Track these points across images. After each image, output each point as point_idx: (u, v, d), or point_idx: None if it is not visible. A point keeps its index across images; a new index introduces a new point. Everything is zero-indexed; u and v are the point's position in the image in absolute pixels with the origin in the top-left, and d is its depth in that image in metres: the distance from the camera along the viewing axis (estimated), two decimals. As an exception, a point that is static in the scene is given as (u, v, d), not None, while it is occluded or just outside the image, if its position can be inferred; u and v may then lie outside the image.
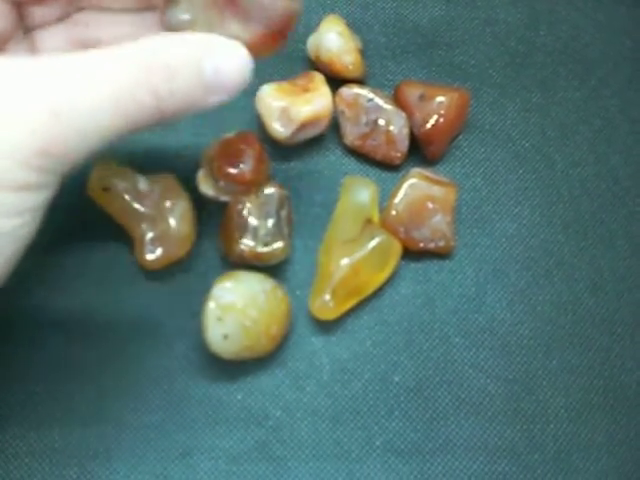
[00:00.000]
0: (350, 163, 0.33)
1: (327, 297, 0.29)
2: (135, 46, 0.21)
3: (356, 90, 0.32)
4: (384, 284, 0.31)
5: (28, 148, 0.19)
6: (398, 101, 0.33)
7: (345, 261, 0.30)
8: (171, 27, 0.24)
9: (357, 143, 0.33)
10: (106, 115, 0.20)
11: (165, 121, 0.22)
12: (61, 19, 0.27)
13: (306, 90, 0.31)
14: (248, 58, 0.23)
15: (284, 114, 0.31)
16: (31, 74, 0.20)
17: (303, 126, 0.31)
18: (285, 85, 0.32)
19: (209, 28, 0.24)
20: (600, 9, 0.38)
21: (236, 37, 0.23)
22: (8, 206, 0.20)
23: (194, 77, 0.22)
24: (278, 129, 0.31)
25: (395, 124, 0.32)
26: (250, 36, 0.24)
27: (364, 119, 0.32)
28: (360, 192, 0.31)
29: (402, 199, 0.31)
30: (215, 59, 0.22)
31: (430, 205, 0.31)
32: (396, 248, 0.31)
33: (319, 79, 0.32)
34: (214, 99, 0.23)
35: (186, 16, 0.24)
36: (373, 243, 0.30)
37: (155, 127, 0.22)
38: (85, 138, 0.20)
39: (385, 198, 0.32)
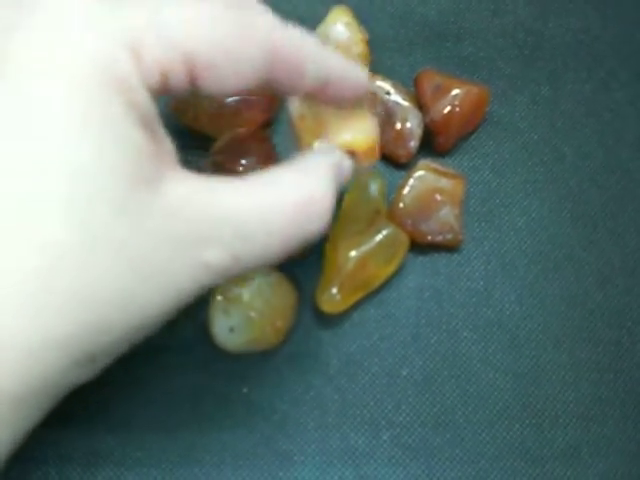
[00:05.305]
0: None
1: (334, 290, 0.29)
2: (289, 185, 0.21)
3: (378, 83, 0.32)
4: (391, 277, 0.31)
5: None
6: (416, 89, 0.33)
7: (353, 254, 0.29)
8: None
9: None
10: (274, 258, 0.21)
11: None
12: None
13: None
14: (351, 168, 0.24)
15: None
16: (211, 215, 0.20)
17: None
18: None
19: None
20: (609, 1, 0.38)
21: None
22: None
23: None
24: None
25: (409, 122, 0.32)
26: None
27: (378, 108, 0.32)
28: (368, 184, 0.31)
29: (410, 191, 0.31)
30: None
31: (438, 197, 0.31)
32: (404, 241, 0.30)
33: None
34: None
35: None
36: (380, 236, 0.30)
37: None
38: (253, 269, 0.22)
39: (393, 190, 0.32)
